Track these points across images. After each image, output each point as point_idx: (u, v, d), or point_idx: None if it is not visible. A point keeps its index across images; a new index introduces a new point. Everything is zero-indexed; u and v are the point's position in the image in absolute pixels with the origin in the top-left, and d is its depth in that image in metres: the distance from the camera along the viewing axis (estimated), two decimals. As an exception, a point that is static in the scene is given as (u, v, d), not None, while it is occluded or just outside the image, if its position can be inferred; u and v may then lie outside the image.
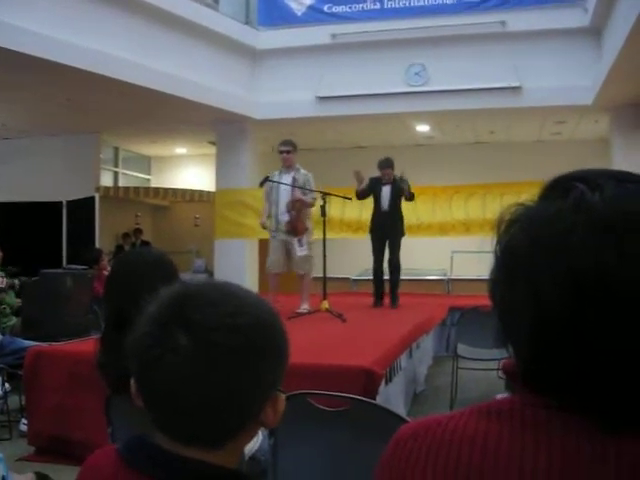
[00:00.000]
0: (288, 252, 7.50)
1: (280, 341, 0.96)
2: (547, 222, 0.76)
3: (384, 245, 7.88)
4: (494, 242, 0.82)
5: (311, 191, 7.39)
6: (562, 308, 0.73)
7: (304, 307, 7.35)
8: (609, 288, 0.71)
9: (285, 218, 7.37)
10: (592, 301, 0.72)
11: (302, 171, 7.48)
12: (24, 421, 4.96)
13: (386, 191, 7.77)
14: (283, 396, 0.97)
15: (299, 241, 7.37)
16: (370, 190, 7.79)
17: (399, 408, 4.76)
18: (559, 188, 0.79)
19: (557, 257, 0.74)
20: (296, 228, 7.34)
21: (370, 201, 7.95)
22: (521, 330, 0.77)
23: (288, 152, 7.45)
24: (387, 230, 7.80)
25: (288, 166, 7.45)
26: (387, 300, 7.98)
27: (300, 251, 7.39)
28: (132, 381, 0.94)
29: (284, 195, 7.37)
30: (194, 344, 0.88)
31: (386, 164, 7.79)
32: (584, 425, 0.74)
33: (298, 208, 7.32)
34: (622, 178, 0.78)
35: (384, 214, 7.79)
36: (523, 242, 0.77)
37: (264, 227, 7.61)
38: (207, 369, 0.88)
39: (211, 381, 0.88)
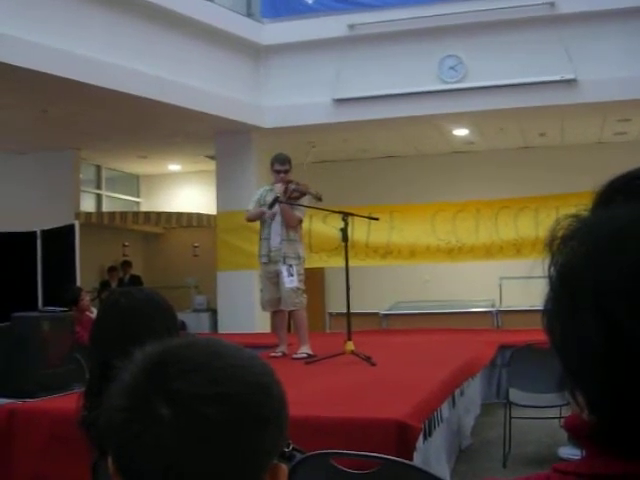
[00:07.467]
0: (283, 285, 7.48)
1: (276, 406, 0.97)
2: (617, 233, 0.73)
3: None
4: (547, 264, 0.79)
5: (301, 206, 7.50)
6: None
7: (303, 351, 7.31)
8: None
9: (278, 244, 7.43)
10: None
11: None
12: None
13: None
14: (284, 466, 0.99)
15: (288, 269, 7.34)
16: None
17: (441, 468, 4.74)
18: (625, 189, 0.77)
19: (636, 278, 0.70)
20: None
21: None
22: (592, 373, 0.72)
23: (287, 171, 7.55)
24: None
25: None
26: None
27: (289, 282, 7.35)
28: (109, 460, 0.96)
29: (278, 216, 7.46)
30: (177, 416, 0.89)
31: None
32: None
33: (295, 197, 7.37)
34: None
35: None
36: (586, 260, 0.74)
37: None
38: (192, 444, 0.89)
39: (197, 457, 0.89)
